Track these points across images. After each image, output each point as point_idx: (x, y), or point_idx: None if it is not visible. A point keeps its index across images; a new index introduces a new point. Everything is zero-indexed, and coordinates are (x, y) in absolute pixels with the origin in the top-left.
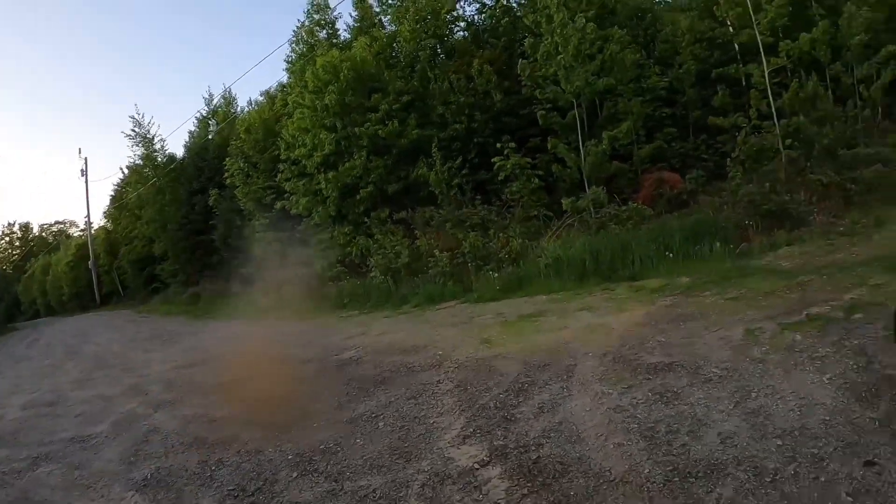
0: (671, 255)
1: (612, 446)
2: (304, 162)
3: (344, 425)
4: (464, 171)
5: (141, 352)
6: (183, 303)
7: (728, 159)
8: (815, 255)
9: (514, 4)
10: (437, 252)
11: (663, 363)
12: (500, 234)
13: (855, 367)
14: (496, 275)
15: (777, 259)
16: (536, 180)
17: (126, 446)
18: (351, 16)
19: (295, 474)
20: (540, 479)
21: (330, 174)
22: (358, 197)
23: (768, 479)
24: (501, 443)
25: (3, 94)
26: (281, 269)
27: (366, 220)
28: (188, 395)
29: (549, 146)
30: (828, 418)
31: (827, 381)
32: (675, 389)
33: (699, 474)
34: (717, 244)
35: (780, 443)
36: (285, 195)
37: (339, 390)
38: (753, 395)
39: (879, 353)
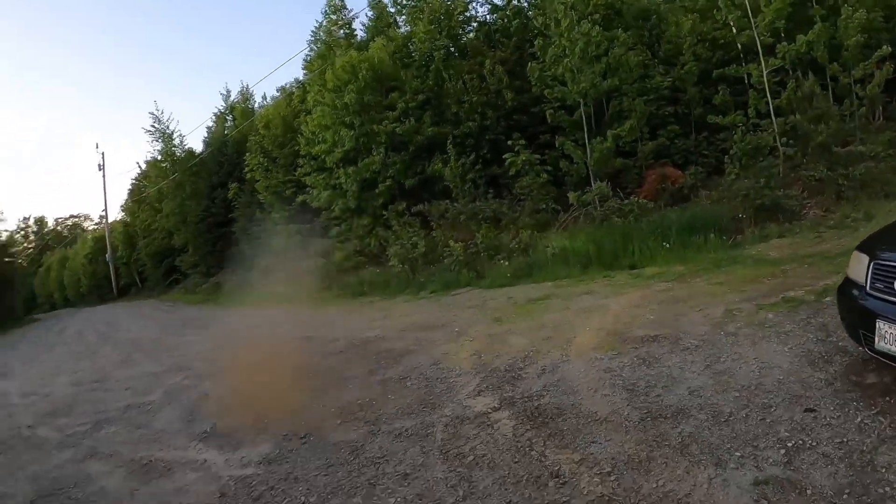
0: (668, 245)
1: (599, 396)
2: (324, 157)
3: (376, 386)
4: (477, 167)
5: (174, 336)
6: (205, 293)
7: (726, 156)
8: (802, 246)
9: (525, 4)
10: (451, 242)
11: (649, 336)
12: (511, 226)
13: (815, 339)
14: (507, 263)
15: (767, 249)
16: (545, 175)
17: (181, 409)
18: (367, 15)
19: (339, 422)
20: (540, 420)
21: (350, 169)
22: (377, 191)
23: (723, 420)
24: (510, 395)
25: (21, 89)
26: (301, 259)
27: (384, 212)
28: (229, 370)
29: (556, 143)
30: (782, 378)
31: (787, 351)
32: (657, 356)
33: (668, 416)
34: (712, 236)
35: (737, 395)
36: (306, 189)
37: (368, 361)
38: (722, 360)
39: (838, 330)
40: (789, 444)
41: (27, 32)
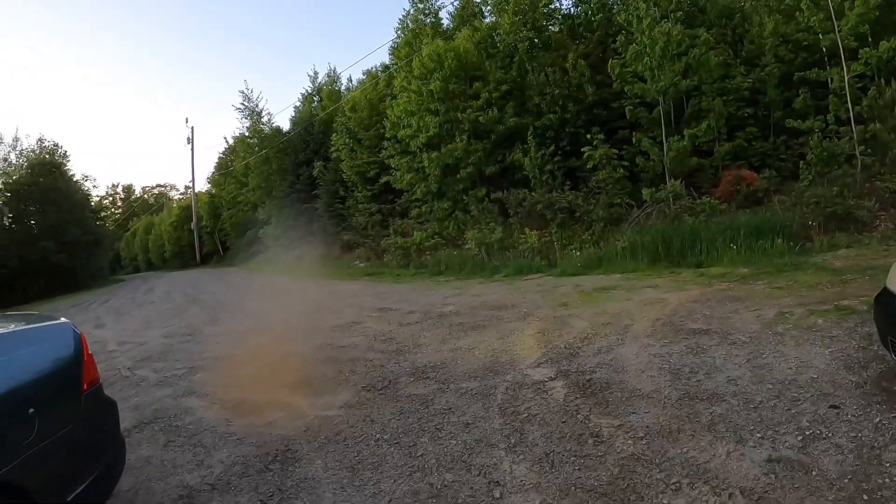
0: (735, 247)
1: (645, 377)
2: (408, 141)
3: (448, 352)
4: (556, 158)
5: (258, 301)
6: (286, 264)
7: (802, 161)
8: (867, 258)
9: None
10: (527, 230)
11: (702, 329)
12: (585, 218)
13: (857, 346)
14: (578, 254)
15: (832, 258)
16: (622, 170)
17: (267, 364)
18: (453, 4)
19: (412, 379)
20: (589, 391)
21: (433, 154)
22: (458, 176)
23: (752, 406)
24: (565, 368)
25: (115, 63)
26: (381, 237)
27: (464, 197)
28: (313, 333)
29: (634, 140)
30: (816, 376)
31: (828, 354)
32: (705, 347)
33: (703, 398)
34: (780, 241)
35: (770, 387)
36: (389, 170)
37: (441, 331)
38: (764, 356)
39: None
40: (807, 433)
41: (128, 8)
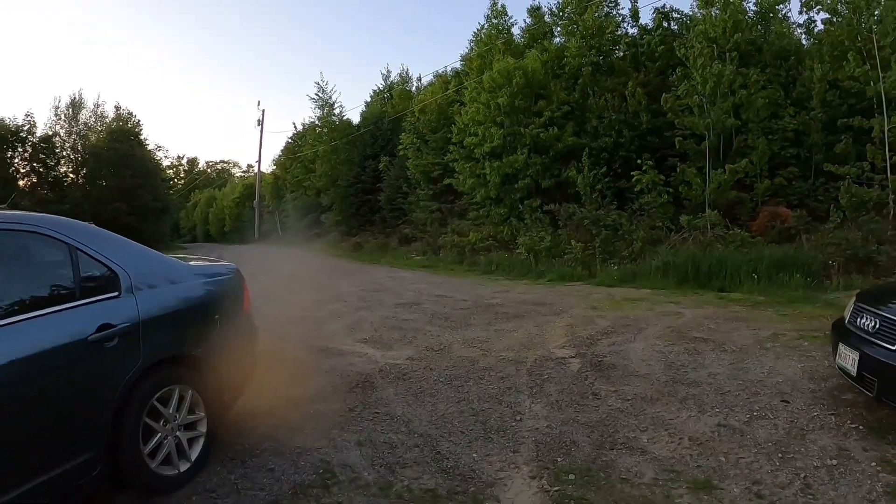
0: (756, 276)
1: (645, 365)
2: (473, 148)
3: (492, 331)
4: (606, 179)
5: (325, 277)
6: (346, 249)
7: (832, 205)
8: None
9: (675, 28)
10: (573, 242)
11: (703, 338)
12: (627, 237)
13: (826, 365)
14: (616, 268)
15: (844, 297)
16: (666, 196)
17: (344, 324)
18: (525, 21)
19: (463, 345)
20: (598, 368)
21: (495, 163)
22: (516, 186)
23: (720, 393)
24: (583, 352)
25: (195, 41)
26: (437, 234)
27: (520, 206)
28: (380, 306)
29: (678, 170)
30: (781, 381)
31: (799, 367)
32: (700, 351)
33: (685, 382)
34: (799, 275)
35: (740, 383)
36: (453, 173)
37: (488, 317)
38: (746, 362)
39: None
40: (755, 414)
41: None
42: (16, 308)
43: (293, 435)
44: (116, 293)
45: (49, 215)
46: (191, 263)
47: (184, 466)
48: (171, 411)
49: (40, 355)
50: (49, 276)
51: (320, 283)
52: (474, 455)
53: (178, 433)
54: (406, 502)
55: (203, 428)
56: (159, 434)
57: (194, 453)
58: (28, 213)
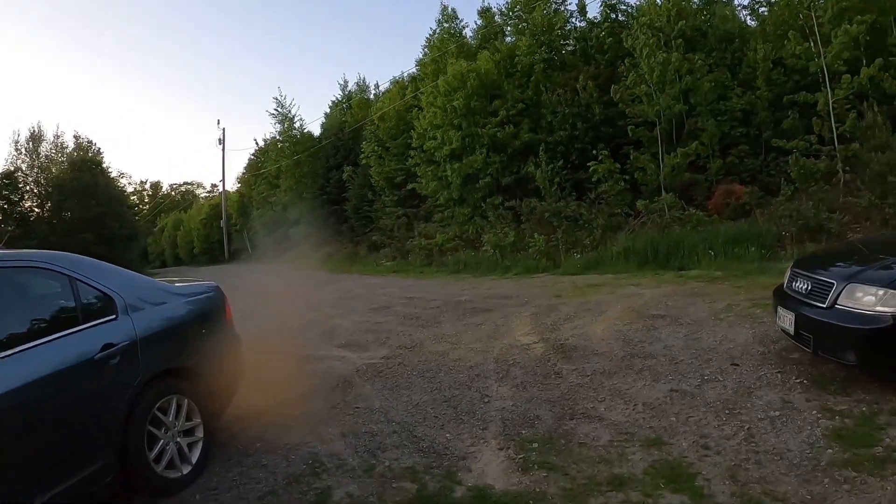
0: (713, 253)
1: (604, 343)
2: (433, 152)
3: (461, 326)
4: (564, 172)
5: (299, 289)
6: (316, 261)
7: (783, 178)
8: None
9: (623, 19)
10: (536, 235)
11: (659, 314)
12: (587, 225)
13: (776, 330)
14: (579, 256)
15: None
16: (623, 183)
17: (320, 331)
18: (476, 23)
19: (434, 341)
20: (560, 350)
21: (455, 165)
22: (477, 185)
23: (674, 362)
24: (547, 337)
25: (146, 62)
26: (405, 239)
27: (482, 204)
28: (353, 313)
29: (631, 157)
30: (732, 347)
31: (751, 333)
32: (656, 326)
33: (641, 356)
34: (753, 249)
35: (693, 352)
36: (415, 177)
37: (457, 313)
38: (699, 333)
39: None
40: (706, 378)
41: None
42: (29, 335)
43: (282, 433)
44: (114, 316)
45: (45, 251)
46: (176, 284)
47: (186, 469)
48: (170, 419)
49: (55, 375)
50: (53, 306)
51: (294, 296)
52: (447, 435)
53: (178, 439)
54: (388, 480)
55: (200, 433)
56: (162, 440)
57: (194, 456)
58: (27, 250)
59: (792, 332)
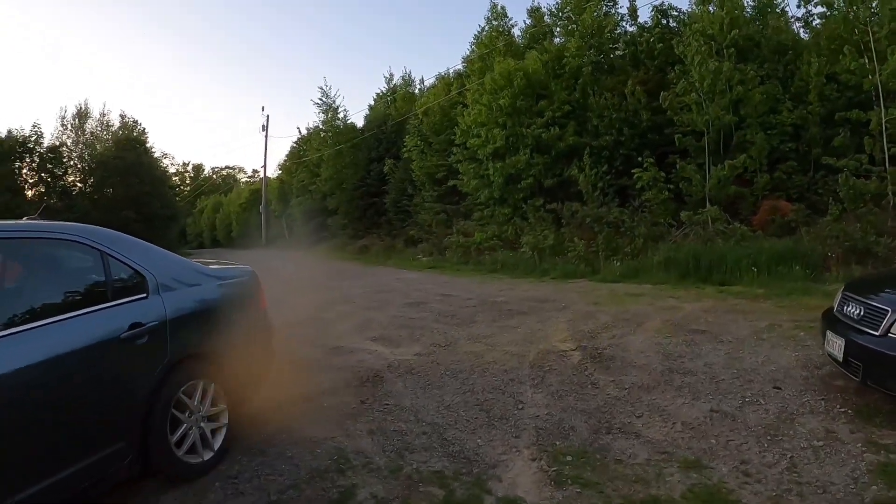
0: (756, 270)
1: (643, 356)
2: (476, 150)
3: (496, 327)
4: (608, 177)
5: (334, 280)
6: (352, 252)
7: (830, 197)
8: None
9: (674, 25)
10: (576, 240)
11: (700, 329)
12: (629, 233)
13: (820, 354)
14: (619, 264)
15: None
16: (667, 193)
17: (353, 324)
18: (525, 22)
19: (468, 340)
20: (598, 360)
21: (498, 164)
22: (519, 186)
23: (715, 381)
24: (584, 345)
25: (195, 47)
26: (443, 235)
27: (523, 205)
28: (388, 306)
29: (678, 167)
30: (774, 369)
31: (794, 356)
32: (697, 342)
33: (681, 372)
34: (798, 268)
35: (734, 371)
36: (457, 174)
37: (493, 313)
38: (741, 352)
39: None
40: (747, 400)
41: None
42: (55, 309)
43: (309, 426)
44: (144, 294)
45: (78, 224)
46: (211, 266)
47: (207, 455)
48: (195, 403)
49: (79, 352)
50: (83, 280)
51: (328, 286)
52: (478, 440)
53: (202, 424)
54: (415, 483)
55: (225, 419)
56: (185, 425)
57: (217, 442)
58: (61, 222)
59: (840, 359)
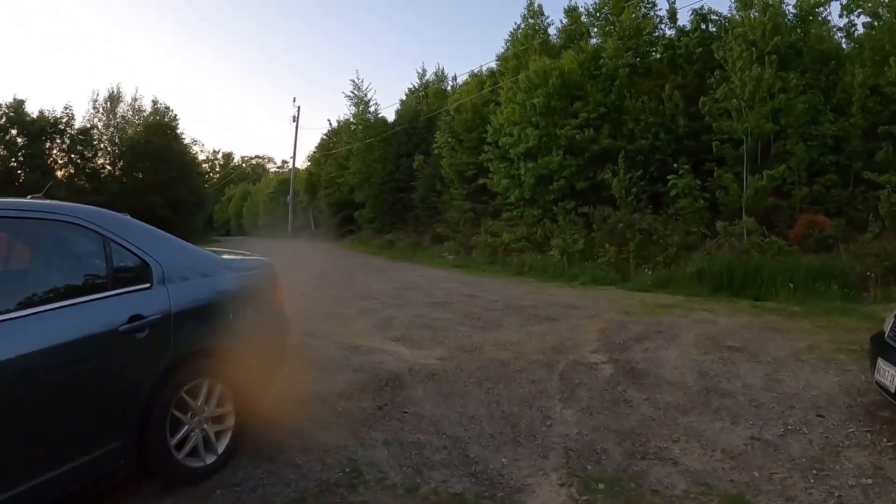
0: (792, 286)
1: (678, 372)
2: (508, 149)
3: (524, 333)
4: (642, 182)
5: (357, 274)
6: (377, 246)
7: (871, 214)
8: None
9: (713, 30)
10: (607, 245)
11: (736, 347)
12: (661, 241)
13: (864, 380)
14: (650, 273)
15: (882, 309)
16: (702, 201)
17: (373, 321)
18: (561, 21)
19: (494, 346)
20: (631, 374)
21: (530, 164)
22: (550, 187)
23: (755, 405)
24: (616, 357)
25: (229, 39)
26: (470, 234)
27: (554, 207)
28: (410, 305)
29: (715, 175)
30: (816, 394)
31: (836, 381)
32: (734, 360)
33: (718, 393)
34: (835, 286)
35: (775, 395)
36: (487, 173)
37: (520, 318)
38: (781, 374)
39: None
40: (790, 427)
41: None
42: (49, 296)
43: (321, 431)
44: (148, 284)
45: (83, 205)
46: (224, 257)
47: (210, 459)
48: (199, 404)
49: (72, 343)
50: (82, 266)
51: (351, 280)
52: (503, 460)
53: (205, 426)
54: None
55: (231, 421)
56: (187, 426)
57: (221, 446)
58: (62, 203)
59: (893, 391)
